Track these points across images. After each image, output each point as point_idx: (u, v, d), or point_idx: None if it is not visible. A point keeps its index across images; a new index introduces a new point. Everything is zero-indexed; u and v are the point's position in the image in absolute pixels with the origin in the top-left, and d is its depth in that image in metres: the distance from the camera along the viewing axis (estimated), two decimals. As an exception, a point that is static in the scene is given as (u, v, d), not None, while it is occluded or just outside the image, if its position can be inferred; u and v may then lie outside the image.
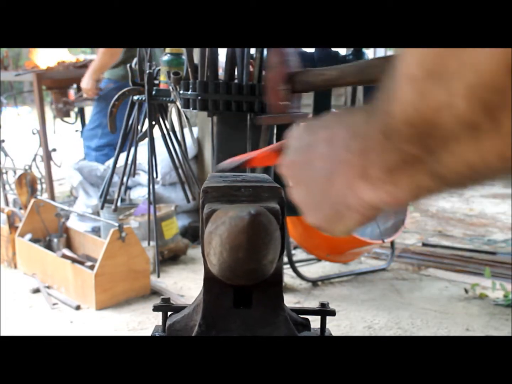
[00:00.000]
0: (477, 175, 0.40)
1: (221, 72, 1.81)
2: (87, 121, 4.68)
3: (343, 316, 2.63)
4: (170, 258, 3.34)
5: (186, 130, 2.03)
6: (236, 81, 1.77)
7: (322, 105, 1.93)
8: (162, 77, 2.00)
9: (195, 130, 3.92)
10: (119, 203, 2.40)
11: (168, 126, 2.05)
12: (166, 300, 0.85)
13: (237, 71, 1.77)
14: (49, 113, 4.48)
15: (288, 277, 3.04)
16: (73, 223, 3.70)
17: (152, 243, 2.19)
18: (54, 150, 4.17)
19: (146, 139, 2.01)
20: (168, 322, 0.83)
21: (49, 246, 3.18)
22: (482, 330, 2.50)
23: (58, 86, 4.34)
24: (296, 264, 3.04)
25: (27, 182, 3.42)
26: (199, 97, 1.74)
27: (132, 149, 2.05)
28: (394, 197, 0.46)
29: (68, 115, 4.48)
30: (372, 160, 0.46)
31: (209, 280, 0.75)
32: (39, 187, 3.97)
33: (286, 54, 0.80)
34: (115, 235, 2.73)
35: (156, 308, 0.84)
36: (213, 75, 1.74)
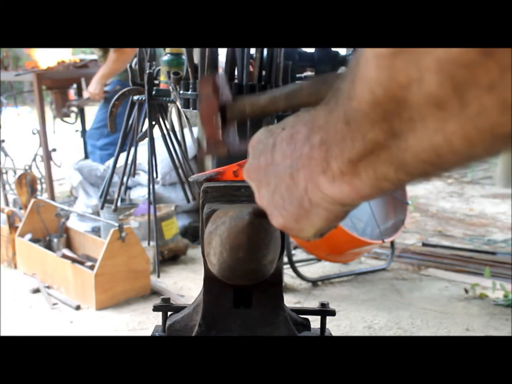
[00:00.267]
0: (441, 162, 0.39)
1: (221, 72, 1.81)
2: (87, 121, 4.68)
3: (343, 316, 2.63)
4: (170, 258, 3.34)
5: (186, 130, 2.03)
6: (236, 81, 1.77)
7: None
8: (162, 77, 2.00)
9: (195, 130, 3.92)
10: (119, 203, 2.40)
11: (168, 126, 2.05)
12: (166, 300, 0.85)
13: (237, 71, 1.78)
14: (49, 113, 4.48)
15: (288, 277, 3.04)
16: (73, 223, 3.70)
17: (152, 243, 2.19)
18: (54, 150, 4.17)
19: (146, 139, 2.01)
20: (168, 322, 0.83)
21: (49, 246, 3.18)
22: (482, 330, 2.50)
23: (58, 86, 4.34)
24: (296, 264, 3.04)
25: (27, 182, 3.42)
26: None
27: (132, 149, 2.05)
28: (357, 190, 0.44)
29: (68, 115, 4.48)
30: (333, 152, 0.45)
31: (209, 280, 0.75)
32: (39, 187, 3.97)
33: (217, 84, 0.80)
34: (115, 235, 2.73)
35: (156, 308, 0.84)
36: (213, 75, 1.74)
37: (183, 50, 1.89)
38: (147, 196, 2.40)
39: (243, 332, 0.75)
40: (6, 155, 4.47)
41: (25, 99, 10.21)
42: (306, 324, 0.83)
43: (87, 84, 4.10)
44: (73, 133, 4.78)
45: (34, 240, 3.19)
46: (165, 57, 1.99)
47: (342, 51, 2.34)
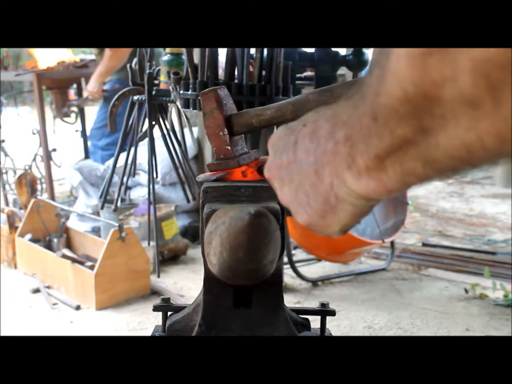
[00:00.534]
0: (472, 159, 0.39)
1: (221, 72, 1.81)
2: (87, 121, 4.68)
3: (343, 316, 2.63)
4: (170, 258, 3.34)
5: (186, 130, 2.03)
6: (236, 81, 1.77)
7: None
8: (162, 77, 2.00)
9: (195, 130, 3.92)
10: (119, 203, 2.40)
11: (168, 126, 2.05)
12: (166, 300, 0.85)
13: (237, 71, 1.78)
14: (49, 113, 4.48)
15: (288, 277, 3.04)
16: (73, 223, 3.70)
17: (152, 243, 2.19)
18: (54, 150, 4.17)
19: (146, 139, 2.01)
20: (168, 322, 0.83)
21: (49, 246, 3.18)
22: (482, 330, 2.50)
23: (58, 86, 4.34)
24: (296, 264, 3.04)
25: (27, 182, 3.42)
26: (199, 97, 1.74)
27: (132, 149, 2.05)
28: (384, 185, 0.44)
29: (68, 115, 4.48)
30: (359, 147, 0.44)
31: (209, 280, 0.75)
32: (39, 187, 3.96)
33: (220, 98, 0.80)
34: (115, 235, 2.73)
35: (156, 308, 0.84)
36: (213, 75, 1.74)
37: (183, 50, 1.89)
38: (147, 196, 2.40)
39: (243, 332, 0.75)
40: (6, 155, 4.47)
41: (25, 99, 10.21)
42: (306, 324, 0.83)
43: (87, 84, 4.10)
44: (73, 133, 4.78)
45: (34, 240, 3.19)
46: (165, 57, 1.99)
47: (342, 51, 2.34)
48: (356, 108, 0.45)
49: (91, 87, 3.91)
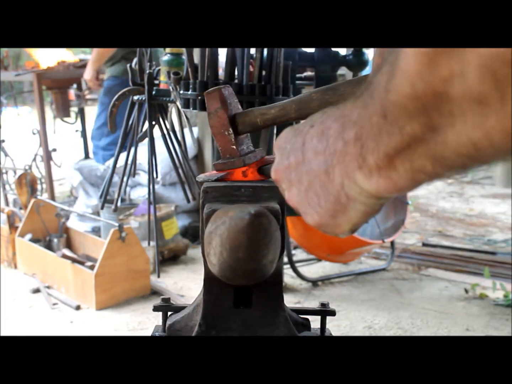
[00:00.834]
0: (480, 155, 0.39)
1: (221, 72, 1.81)
2: (87, 121, 4.68)
3: (343, 316, 2.63)
4: (170, 258, 3.34)
5: (186, 130, 2.03)
6: (236, 81, 1.77)
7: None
8: (162, 77, 2.00)
9: (195, 130, 3.92)
10: (119, 203, 2.40)
11: (168, 126, 2.05)
12: (166, 300, 0.85)
13: (237, 71, 1.78)
14: (49, 113, 4.48)
15: (288, 277, 3.04)
16: (73, 223, 3.70)
17: (152, 243, 2.19)
18: (54, 150, 4.17)
19: (146, 139, 2.01)
20: (168, 322, 0.83)
21: (49, 246, 3.18)
22: (482, 330, 2.50)
23: (58, 86, 4.34)
24: (296, 264, 3.04)
25: (27, 182, 3.42)
26: (199, 97, 1.74)
27: (132, 149, 2.05)
28: (394, 184, 0.44)
29: (68, 115, 4.48)
30: (369, 146, 0.44)
31: (209, 280, 0.75)
32: (39, 187, 3.96)
33: (225, 97, 0.80)
34: (115, 235, 2.73)
35: (156, 308, 0.84)
36: (213, 75, 1.74)
37: (183, 50, 1.89)
38: (147, 196, 2.40)
39: (243, 332, 0.75)
40: (6, 155, 4.47)
41: (25, 99, 10.21)
42: (306, 324, 0.83)
43: (87, 84, 4.10)
44: (73, 133, 4.78)
45: (34, 240, 3.19)
46: (165, 57, 1.99)
47: (342, 51, 2.34)
48: (365, 107, 0.45)
49: (86, 75, 3.94)
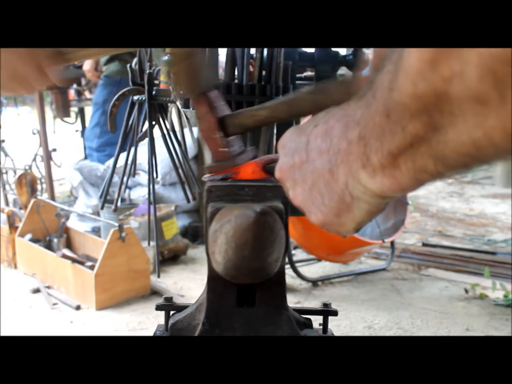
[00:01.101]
0: (481, 155, 0.39)
1: (221, 72, 1.81)
2: (87, 121, 4.69)
3: (343, 316, 2.63)
4: (170, 258, 3.33)
5: (186, 130, 2.03)
6: (236, 81, 1.77)
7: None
8: (162, 77, 2.00)
9: (195, 130, 3.92)
10: (119, 203, 2.40)
11: (168, 126, 2.05)
12: (169, 299, 0.85)
13: (237, 71, 1.77)
14: (49, 113, 4.48)
15: (288, 277, 3.03)
16: (73, 223, 3.70)
17: (152, 243, 2.19)
18: (54, 150, 4.17)
19: (146, 139, 2.01)
20: (171, 321, 0.83)
21: (49, 246, 3.18)
22: (482, 330, 2.50)
23: (58, 86, 4.34)
24: (296, 264, 3.04)
25: (27, 182, 3.42)
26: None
27: (132, 149, 2.05)
28: (398, 183, 0.45)
29: (68, 115, 4.48)
30: (373, 146, 0.45)
31: (213, 279, 0.76)
32: (39, 187, 3.96)
33: (211, 101, 0.80)
34: (115, 235, 2.73)
35: (159, 307, 0.84)
36: (213, 75, 1.74)
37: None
38: (147, 196, 2.40)
39: (246, 331, 0.75)
40: (6, 155, 4.47)
41: (25, 99, 10.20)
42: (309, 324, 0.83)
43: (87, 84, 4.10)
44: (73, 133, 4.77)
45: (34, 240, 3.19)
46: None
47: (342, 51, 2.34)
48: (368, 107, 0.45)
49: (86, 66, 3.95)
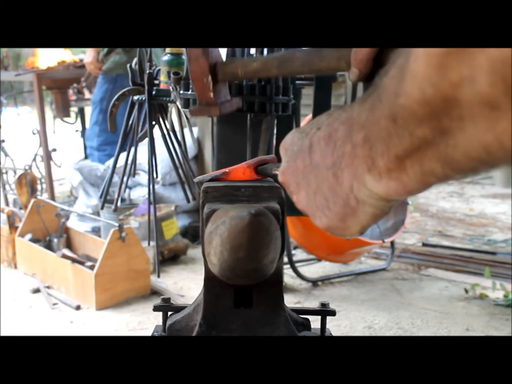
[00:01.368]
0: (490, 159, 0.39)
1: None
2: (87, 121, 4.68)
3: (343, 316, 2.63)
4: (170, 258, 3.34)
5: (186, 130, 2.03)
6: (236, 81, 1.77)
7: (322, 105, 1.93)
8: (162, 77, 2.00)
9: (195, 130, 3.92)
10: (119, 203, 2.40)
11: (168, 126, 2.05)
12: (167, 300, 0.85)
13: (237, 71, 1.77)
14: (49, 113, 4.48)
15: (288, 277, 3.04)
16: (73, 223, 3.70)
17: (152, 243, 2.19)
18: (54, 150, 4.17)
19: (146, 139, 2.01)
20: (169, 322, 0.83)
21: (49, 246, 3.18)
22: (482, 330, 2.50)
23: (58, 86, 4.34)
24: (296, 264, 3.04)
25: (27, 182, 3.42)
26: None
27: (132, 149, 2.05)
28: (404, 186, 0.44)
29: (68, 115, 4.48)
30: (379, 149, 0.44)
31: (210, 280, 0.75)
32: (39, 187, 3.96)
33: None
34: (115, 235, 2.73)
35: (156, 308, 0.84)
36: (213, 75, 1.74)
37: (183, 50, 1.89)
38: (147, 196, 2.40)
39: (243, 332, 0.75)
40: (6, 155, 4.47)
41: (25, 99, 10.20)
42: (307, 324, 0.83)
43: (87, 84, 4.10)
44: (73, 133, 4.78)
45: (34, 240, 3.19)
46: (165, 57, 1.98)
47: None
48: (373, 110, 0.45)
49: (87, 58, 3.95)
